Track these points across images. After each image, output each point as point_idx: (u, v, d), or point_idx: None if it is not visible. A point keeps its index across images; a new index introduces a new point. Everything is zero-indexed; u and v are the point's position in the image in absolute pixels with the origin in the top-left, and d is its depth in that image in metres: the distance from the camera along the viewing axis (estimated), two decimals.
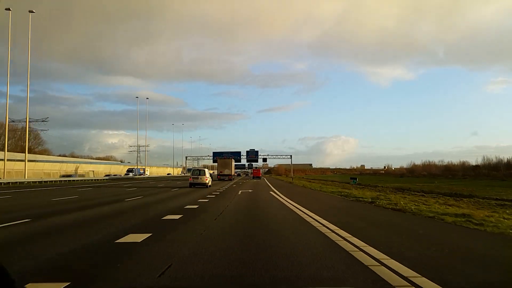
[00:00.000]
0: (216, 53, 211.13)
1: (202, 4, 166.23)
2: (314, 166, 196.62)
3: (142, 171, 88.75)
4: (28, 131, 69.82)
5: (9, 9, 44.61)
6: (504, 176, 67.16)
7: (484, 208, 16.15)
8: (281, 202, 16.53)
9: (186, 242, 6.64)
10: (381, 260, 5.11)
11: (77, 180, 58.15)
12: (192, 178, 30.77)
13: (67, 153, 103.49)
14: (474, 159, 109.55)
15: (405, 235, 7.87)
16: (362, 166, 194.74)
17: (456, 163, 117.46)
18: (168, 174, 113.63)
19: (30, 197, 20.64)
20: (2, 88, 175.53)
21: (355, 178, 23.75)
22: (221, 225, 9.30)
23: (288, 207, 14.02)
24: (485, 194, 28.33)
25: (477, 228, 8.66)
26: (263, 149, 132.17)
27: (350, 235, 7.21)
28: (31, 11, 46.76)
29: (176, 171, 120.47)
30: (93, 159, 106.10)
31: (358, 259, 5.23)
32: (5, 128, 51.57)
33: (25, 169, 48.85)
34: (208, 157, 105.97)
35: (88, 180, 62.82)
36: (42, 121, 71.12)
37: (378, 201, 15.86)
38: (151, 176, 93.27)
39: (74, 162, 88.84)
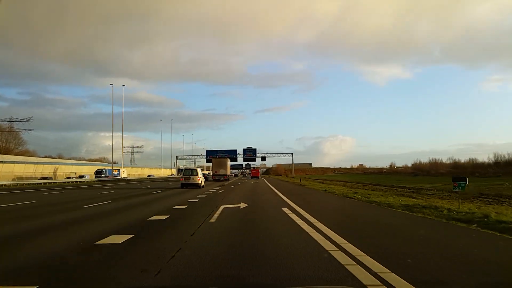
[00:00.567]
0: (213, 53, 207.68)
1: (199, 5, 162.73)
2: (312, 165, 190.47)
3: (117, 173, 76.20)
4: (7, 131, 62.33)
5: None
6: None
7: None
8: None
9: None
10: None
11: (47, 183, 49.63)
12: (184, 178, 29.09)
13: (64, 155, 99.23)
14: (471, 157, 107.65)
15: None
16: (360, 165, 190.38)
17: (464, 161, 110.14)
18: (149, 175, 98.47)
19: None
20: None
21: (462, 180, 9.72)
22: None
23: None
24: None
25: None
26: (260, 150, 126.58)
27: None
28: None
29: (166, 172, 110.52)
30: (85, 160, 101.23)
31: None
32: None
33: None
34: (201, 156, 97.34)
35: (59, 182, 54.11)
36: (26, 121, 66.17)
37: None
38: (132, 178, 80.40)
39: (52, 163, 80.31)
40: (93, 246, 5.85)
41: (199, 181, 29.05)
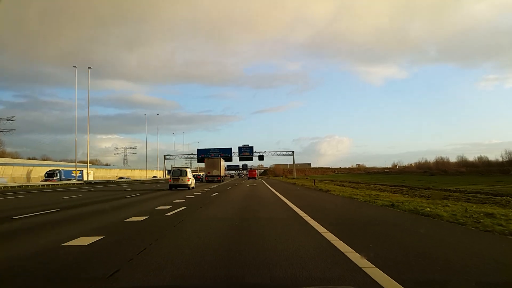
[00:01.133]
0: (209, 55, 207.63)
1: (194, 6, 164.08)
2: (311, 166, 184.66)
3: (79, 175, 63.48)
4: None
5: None
6: None
7: None
8: None
9: None
10: None
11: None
12: (172, 179, 28.05)
13: (56, 158, 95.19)
14: (469, 156, 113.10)
15: None
16: (359, 165, 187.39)
17: (473, 159, 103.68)
18: (120, 178, 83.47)
19: None
20: None
21: None
22: None
23: None
24: None
25: None
26: (257, 149, 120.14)
27: None
28: None
29: (152, 174, 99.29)
30: (69, 162, 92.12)
31: None
32: None
33: None
34: (193, 156, 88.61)
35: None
36: (8, 120, 62.96)
37: None
38: (103, 180, 67.37)
39: (25, 165, 71.75)
40: None
41: (188, 182, 27.59)
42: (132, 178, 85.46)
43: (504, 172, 71.17)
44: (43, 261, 4.91)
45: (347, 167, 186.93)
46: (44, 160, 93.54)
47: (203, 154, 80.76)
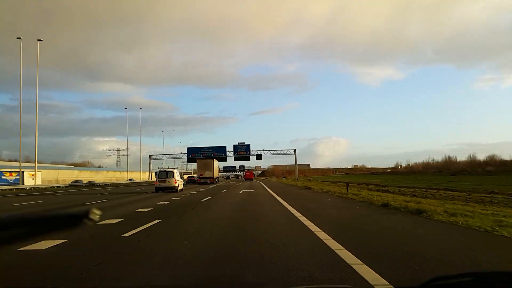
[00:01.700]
0: (206, 56, 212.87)
1: (191, 8, 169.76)
2: (310, 166, 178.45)
3: (16, 177, 48.32)
4: None
5: None
6: None
7: None
8: None
9: None
10: None
11: None
12: (159, 181, 26.52)
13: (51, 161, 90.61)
14: (467, 156, 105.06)
15: None
16: (355, 165, 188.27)
17: (482, 159, 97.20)
18: (77, 181, 66.15)
19: None
20: None
21: None
22: None
23: None
24: None
25: None
26: (255, 149, 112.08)
27: None
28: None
29: (134, 176, 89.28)
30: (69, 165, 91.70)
31: None
32: None
33: None
34: (182, 155, 79.23)
35: None
36: None
37: None
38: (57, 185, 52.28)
39: None
40: None
41: (176, 184, 26.45)
42: (97, 181, 72.67)
43: None
44: None
45: (347, 167, 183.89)
46: (28, 162, 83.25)
47: (193, 154, 71.69)
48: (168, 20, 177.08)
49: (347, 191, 18.92)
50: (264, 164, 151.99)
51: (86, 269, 4.50)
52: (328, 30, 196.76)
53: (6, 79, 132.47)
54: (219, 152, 72.56)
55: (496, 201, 15.77)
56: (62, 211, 1.17)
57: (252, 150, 74.02)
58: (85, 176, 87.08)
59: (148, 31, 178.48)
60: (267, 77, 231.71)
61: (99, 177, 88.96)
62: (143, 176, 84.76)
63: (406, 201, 12.62)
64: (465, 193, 22.55)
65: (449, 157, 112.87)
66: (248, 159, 73.73)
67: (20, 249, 5.42)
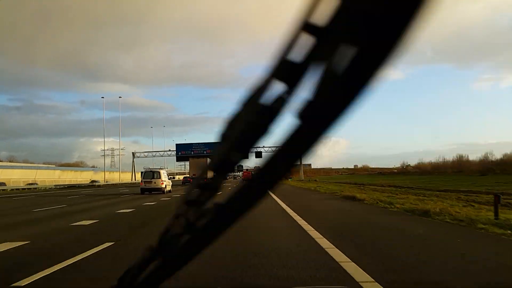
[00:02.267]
0: (206, 56, 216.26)
1: (191, 8, 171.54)
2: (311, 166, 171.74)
3: None
4: None
5: None
6: None
7: None
8: None
9: None
10: None
11: None
12: (144, 182, 25.37)
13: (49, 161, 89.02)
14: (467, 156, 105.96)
15: None
16: (355, 166, 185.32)
17: (496, 159, 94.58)
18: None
19: None
20: None
21: None
22: None
23: None
24: None
25: None
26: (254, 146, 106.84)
27: None
28: None
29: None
30: (62, 165, 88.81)
31: None
32: None
33: None
34: (170, 153, 69.87)
35: None
36: None
37: None
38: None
39: None
40: None
41: (162, 185, 25.17)
42: (81, 182, 67.07)
43: None
44: None
45: (347, 168, 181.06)
46: (10, 162, 79.03)
47: (183, 151, 62.85)
48: (168, 20, 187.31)
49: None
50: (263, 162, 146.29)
51: None
52: None
53: (3, 79, 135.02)
54: (213, 149, 63.21)
55: None
56: None
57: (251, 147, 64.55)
58: (68, 176, 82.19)
59: (148, 31, 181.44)
60: None
61: (85, 178, 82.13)
62: (125, 177, 76.67)
63: None
64: None
65: (461, 156, 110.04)
66: (246, 156, 64.31)
67: None
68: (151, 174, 25.66)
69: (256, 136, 0.48)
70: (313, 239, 6.15)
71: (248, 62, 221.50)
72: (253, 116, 0.47)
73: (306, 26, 0.40)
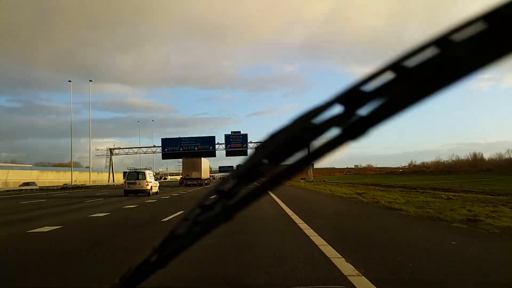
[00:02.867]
0: (205, 57, 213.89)
1: (190, 8, 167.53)
2: (314, 166, 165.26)
3: None
4: None
5: None
6: None
7: None
8: None
9: None
10: None
11: None
12: (128, 183, 24.09)
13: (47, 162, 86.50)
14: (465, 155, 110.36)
15: None
16: (356, 165, 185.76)
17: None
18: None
19: None
20: None
21: None
22: None
23: None
24: None
25: None
26: (253, 141, 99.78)
27: None
28: None
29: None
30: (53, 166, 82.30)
31: None
32: None
33: None
34: (155, 149, 60.54)
35: None
36: None
37: None
38: None
39: None
40: None
41: (148, 187, 23.78)
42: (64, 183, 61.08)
43: None
44: None
45: (349, 167, 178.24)
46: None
47: (170, 147, 53.64)
48: (167, 21, 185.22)
49: None
50: None
51: None
52: (327, 30, 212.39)
53: (2, 80, 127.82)
54: (206, 144, 54.05)
55: None
56: None
57: (250, 142, 54.57)
58: (49, 177, 76.58)
59: (147, 32, 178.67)
60: (266, 77, 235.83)
61: (68, 178, 75.83)
62: (101, 177, 68.31)
63: None
64: None
65: (475, 154, 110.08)
66: (245, 153, 53.59)
67: None
68: (135, 175, 24.24)
69: (295, 150, 0.47)
70: None
71: (247, 62, 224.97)
72: (300, 132, 0.46)
73: (394, 65, 0.40)
